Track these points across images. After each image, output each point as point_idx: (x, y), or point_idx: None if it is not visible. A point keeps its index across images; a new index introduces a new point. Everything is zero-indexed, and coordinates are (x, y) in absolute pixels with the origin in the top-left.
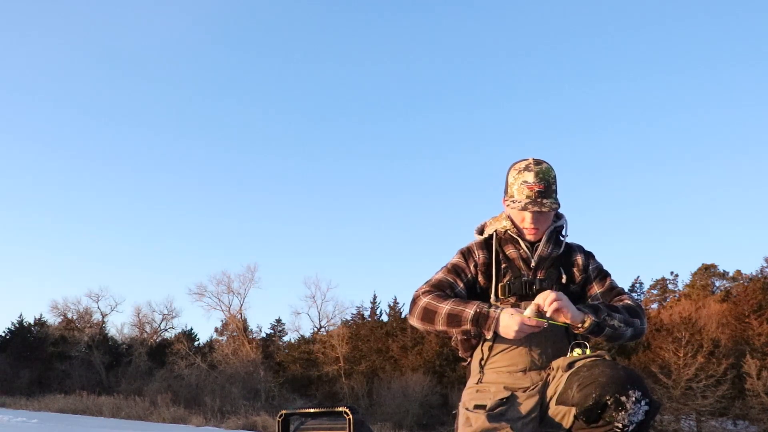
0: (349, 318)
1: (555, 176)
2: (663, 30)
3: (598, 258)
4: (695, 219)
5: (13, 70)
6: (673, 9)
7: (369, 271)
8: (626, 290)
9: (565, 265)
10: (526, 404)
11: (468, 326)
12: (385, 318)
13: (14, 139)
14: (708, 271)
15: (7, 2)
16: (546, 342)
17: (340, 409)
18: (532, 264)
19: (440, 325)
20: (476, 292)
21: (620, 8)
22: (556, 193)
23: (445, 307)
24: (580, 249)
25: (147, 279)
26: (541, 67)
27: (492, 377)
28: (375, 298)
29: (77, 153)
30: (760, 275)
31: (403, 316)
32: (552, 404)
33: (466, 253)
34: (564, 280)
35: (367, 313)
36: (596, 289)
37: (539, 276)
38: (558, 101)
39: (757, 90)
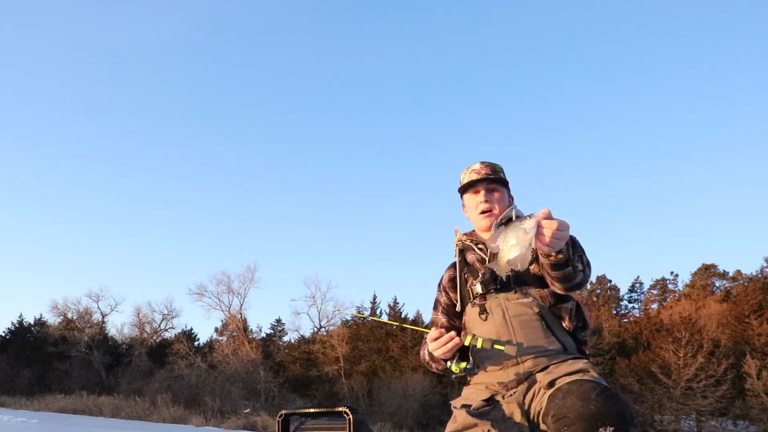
0: (349, 318)
1: (503, 169)
2: (663, 30)
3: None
4: (695, 219)
5: (13, 69)
6: (672, 9)
7: (369, 271)
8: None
9: None
10: (509, 408)
11: (435, 363)
12: (385, 318)
13: (14, 138)
14: (708, 271)
15: (7, 2)
16: (515, 334)
17: (340, 409)
18: (492, 260)
19: (434, 367)
20: (457, 311)
21: (619, 8)
22: (506, 181)
23: (424, 353)
24: None
25: (147, 279)
26: (542, 67)
27: (480, 378)
28: (375, 298)
29: (77, 153)
30: (760, 275)
31: (403, 316)
32: (541, 423)
33: (439, 284)
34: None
35: (367, 313)
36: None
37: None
38: (558, 101)
39: (757, 90)
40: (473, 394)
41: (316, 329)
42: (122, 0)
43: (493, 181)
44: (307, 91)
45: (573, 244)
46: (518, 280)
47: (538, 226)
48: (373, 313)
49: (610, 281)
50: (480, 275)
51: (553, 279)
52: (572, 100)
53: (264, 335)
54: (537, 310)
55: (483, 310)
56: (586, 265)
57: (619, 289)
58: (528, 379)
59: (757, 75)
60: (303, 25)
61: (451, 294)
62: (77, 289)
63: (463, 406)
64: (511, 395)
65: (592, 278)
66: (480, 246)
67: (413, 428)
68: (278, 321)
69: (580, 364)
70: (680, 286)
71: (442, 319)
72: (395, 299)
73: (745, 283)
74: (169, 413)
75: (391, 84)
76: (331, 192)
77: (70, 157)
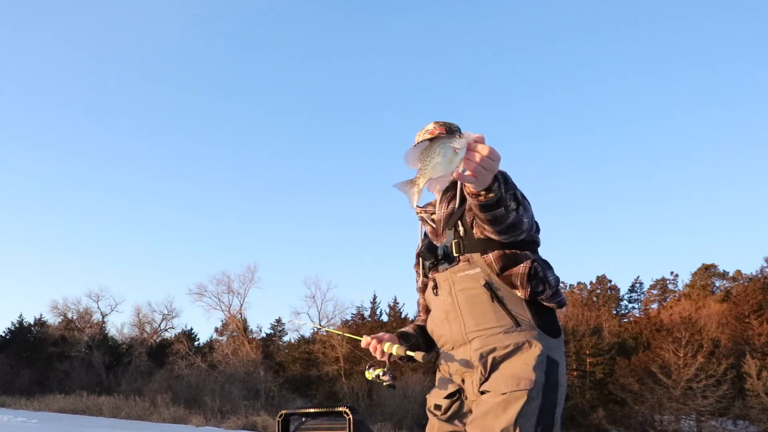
0: (349, 318)
1: (459, 128)
2: (663, 29)
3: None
4: (695, 219)
5: (13, 69)
6: (671, 9)
7: (369, 271)
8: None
9: (464, 215)
10: (468, 405)
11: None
12: (385, 318)
13: (14, 138)
14: (708, 271)
15: (7, 2)
16: (461, 311)
17: (340, 409)
18: (438, 230)
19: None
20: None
21: (617, 8)
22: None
23: None
24: None
25: (147, 279)
26: (542, 67)
27: (442, 361)
28: (375, 298)
29: (77, 153)
30: (760, 275)
31: (403, 316)
32: None
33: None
34: (462, 233)
35: (367, 313)
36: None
37: (438, 242)
38: (558, 100)
39: (757, 90)
40: (440, 385)
41: (316, 329)
42: (122, 0)
43: None
44: (308, 91)
45: (505, 181)
46: (462, 249)
47: (468, 148)
48: (372, 313)
49: (610, 281)
50: (420, 247)
51: (483, 222)
52: (572, 99)
53: (264, 335)
54: (483, 281)
55: (435, 285)
56: (520, 203)
57: (619, 289)
58: (481, 360)
59: (757, 75)
60: (303, 25)
61: (417, 273)
62: (77, 289)
63: (436, 407)
64: (470, 385)
65: (592, 278)
66: (432, 216)
67: (413, 428)
68: (278, 321)
69: (519, 340)
70: (680, 286)
71: (421, 300)
72: (395, 299)
73: (745, 283)
74: (169, 413)
75: (391, 84)
76: (331, 192)
77: (70, 156)
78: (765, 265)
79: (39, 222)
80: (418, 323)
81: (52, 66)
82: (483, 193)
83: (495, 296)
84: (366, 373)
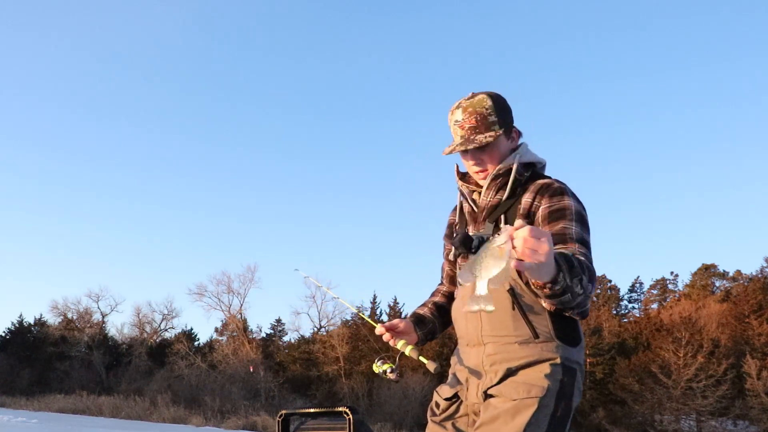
0: (349, 318)
1: (492, 105)
2: (663, 29)
3: (579, 201)
4: (695, 219)
5: (13, 69)
6: (671, 9)
7: (369, 271)
8: (578, 240)
9: (510, 212)
10: (465, 408)
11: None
12: (385, 318)
13: (14, 138)
14: (708, 271)
15: (7, 2)
16: (479, 319)
17: (340, 409)
18: (478, 217)
19: None
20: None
21: (617, 8)
22: (499, 124)
23: None
24: (538, 187)
25: (147, 279)
26: (542, 66)
27: (455, 357)
28: (375, 298)
29: (77, 153)
30: (760, 275)
31: (403, 316)
32: None
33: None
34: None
35: (367, 313)
36: None
37: (474, 230)
38: (558, 100)
39: (757, 90)
40: (449, 383)
41: (316, 329)
42: (122, 0)
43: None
44: (308, 91)
45: (570, 267)
46: None
47: (510, 238)
48: (372, 313)
49: (610, 281)
50: (454, 236)
51: (548, 304)
52: (572, 99)
53: (264, 335)
54: (507, 286)
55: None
56: (588, 283)
57: (619, 289)
58: (492, 366)
59: (757, 75)
60: (303, 25)
61: (446, 243)
62: (77, 289)
63: (436, 404)
64: (473, 387)
65: None
66: (474, 195)
67: (413, 428)
68: (278, 321)
69: (535, 353)
70: (680, 286)
71: (447, 268)
72: (395, 299)
73: (745, 283)
74: (169, 413)
75: (392, 83)
76: (331, 192)
77: (70, 156)
78: (765, 265)
79: (39, 222)
80: (437, 299)
81: (52, 66)
82: (549, 285)
83: (517, 303)
84: (374, 365)
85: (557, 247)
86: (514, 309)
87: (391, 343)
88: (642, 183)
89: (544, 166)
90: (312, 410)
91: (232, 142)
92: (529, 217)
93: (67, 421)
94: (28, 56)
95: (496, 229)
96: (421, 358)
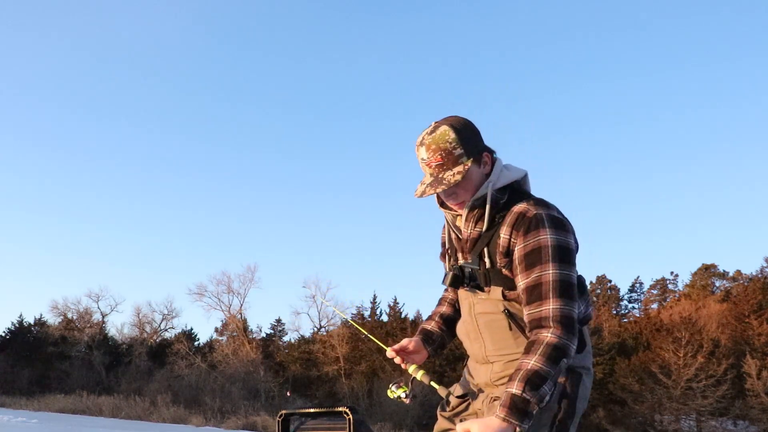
0: (349, 318)
1: (455, 137)
2: (663, 29)
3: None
4: (695, 219)
5: (13, 69)
6: (671, 9)
7: (369, 271)
8: (554, 289)
9: (492, 244)
10: (474, 407)
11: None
12: (385, 318)
13: (14, 138)
14: (708, 271)
15: (7, 2)
16: (481, 333)
17: (340, 409)
18: (464, 247)
19: None
20: None
21: (618, 8)
22: (467, 154)
23: None
24: (514, 219)
25: (147, 279)
26: (542, 66)
27: (467, 365)
28: (375, 298)
29: (77, 153)
30: (760, 275)
31: (403, 316)
32: None
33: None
34: (488, 264)
35: (367, 313)
36: (520, 280)
37: (462, 260)
38: (558, 100)
39: (757, 90)
40: (461, 383)
41: (316, 329)
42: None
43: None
44: (308, 91)
45: (533, 391)
46: (488, 281)
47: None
48: (373, 313)
49: (610, 281)
50: (447, 270)
51: None
52: (572, 99)
53: (264, 335)
54: (502, 307)
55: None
56: (556, 367)
57: (619, 289)
58: (500, 385)
59: (757, 75)
60: (304, 25)
61: (442, 261)
62: (77, 289)
63: (447, 401)
64: (479, 400)
65: (592, 278)
66: (457, 221)
67: (413, 428)
68: (278, 321)
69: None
70: (680, 286)
71: (450, 294)
72: (395, 299)
73: (745, 283)
74: (169, 413)
75: (391, 84)
76: (331, 192)
77: (70, 156)
78: (765, 265)
79: (39, 222)
80: (444, 310)
81: (52, 66)
82: (525, 420)
83: (514, 323)
84: (388, 391)
85: (533, 306)
86: (511, 329)
87: (402, 366)
88: (642, 183)
89: (524, 179)
90: (312, 410)
91: (232, 142)
92: (509, 256)
93: (67, 421)
94: (28, 56)
95: (481, 261)
96: (432, 383)
